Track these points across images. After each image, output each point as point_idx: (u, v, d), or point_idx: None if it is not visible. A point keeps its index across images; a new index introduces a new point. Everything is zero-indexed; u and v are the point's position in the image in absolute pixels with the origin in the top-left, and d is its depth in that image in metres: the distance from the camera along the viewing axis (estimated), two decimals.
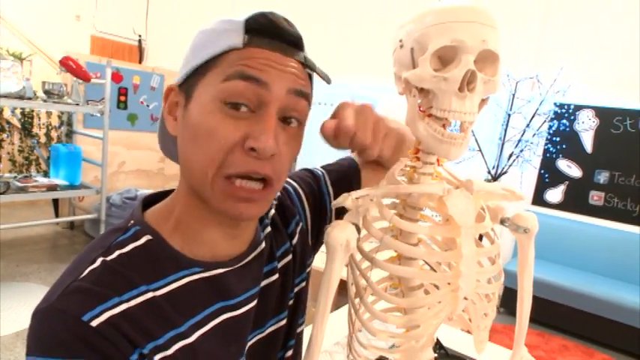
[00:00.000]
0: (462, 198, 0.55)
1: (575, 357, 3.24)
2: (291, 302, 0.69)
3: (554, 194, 4.06)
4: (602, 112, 3.82)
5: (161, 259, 0.53)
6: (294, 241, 0.71)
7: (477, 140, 3.78)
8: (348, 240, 0.52)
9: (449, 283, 0.56)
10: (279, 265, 0.67)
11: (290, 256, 0.69)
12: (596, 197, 3.90)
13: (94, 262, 0.50)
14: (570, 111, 3.89)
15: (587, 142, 3.89)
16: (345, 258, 0.53)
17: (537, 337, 3.48)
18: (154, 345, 0.48)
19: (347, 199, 0.55)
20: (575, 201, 3.97)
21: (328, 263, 0.53)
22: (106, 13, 6.73)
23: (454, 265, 0.55)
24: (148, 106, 5.20)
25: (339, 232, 0.52)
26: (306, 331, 0.67)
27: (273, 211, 0.70)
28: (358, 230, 0.54)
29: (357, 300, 0.59)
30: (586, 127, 3.89)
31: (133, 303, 0.48)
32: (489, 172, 3.81)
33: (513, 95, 3.73)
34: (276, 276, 0.65)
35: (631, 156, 3.73)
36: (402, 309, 0.60)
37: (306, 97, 0.55)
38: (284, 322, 0.67)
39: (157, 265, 0.52)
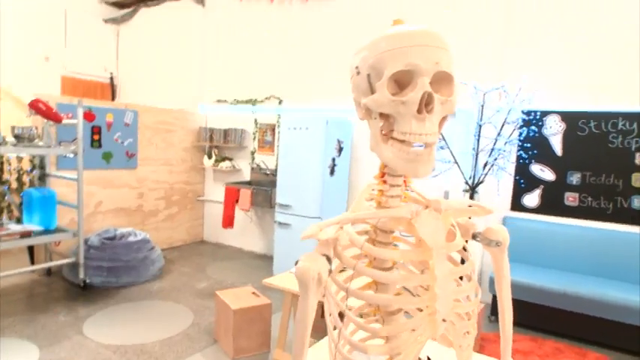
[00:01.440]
0: (430, 219, 0.55)
1: (569, 358, 3.24)
2: None
3: (531, 199, 4.14)
4: (567, 117, 3.94)
5: None
6: None
7: (452, 152, 3.84)
8: (320, 273, 0.51)
9: (427, 307, 0.55)
10: None
11: None
12: (571, 198, 3.99)
13: None
14: (537, 117, 4.00)
15: (557, 145, 4.00)
16: (319, 292, 0.52)
17: (531, 342, 3.48)
18: None
19: (315, 231, 0.55)
20: (552, 203, 4.05)
21: (302, 299, 0.52)
22: (76, 52, 6.70)
23: (428, 288, 0.54)
24: (122, 142, 5.13)
25: (310, 266, 0.51)
26: None
27: None
28: (329, 260, 0.53)
29: (335, 332, 0.58)
30: (554, 132, 4.00)
31: None
32: (467, 183, 3.86)
33: (482, 106, 3.82)
34: None
35: (598, 156, 3.84)
36: (379, 335, 0.58)
37: None
38: None
39: None
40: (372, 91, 0.55)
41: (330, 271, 0.54)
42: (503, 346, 0.74)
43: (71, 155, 4.07)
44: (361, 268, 0.55)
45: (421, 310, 0.56)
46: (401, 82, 0.54)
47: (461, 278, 0.61)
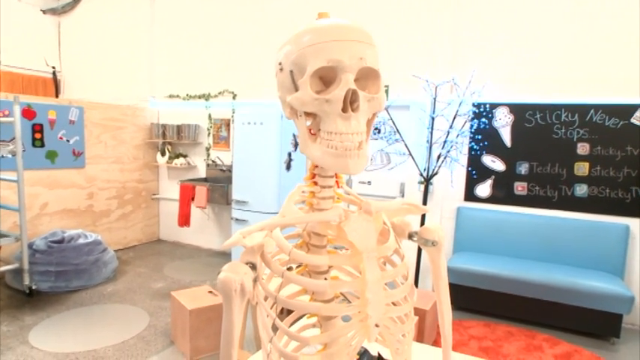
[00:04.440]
0: (360, 222, 0.53)
1: (520, 341, 3.38)
2: None
3: (483, 189, 4.27)
4: (515, 108, 4.08)
5: None
6: None
7: (406, 145, 3.90)
8: (243, 283, 0.48)
9: (359, 312, 0.53)
10: None
11: None
12: (520, 188, 4.15)
13: None
14: (487, 109, 4.12)
15: (506, 137, 4.14)
16: (243, 303, 0.49)
17: (484, 327, 3.60)
18: None
19: (239, 238, 0.51)
20: (502, 193, 4.20)
21: (225, 312, 0.48)
22: (12, 45, 6.27)
23: (359, 293, 0.52)
24: (68, 141, 4.87)
25: (232, 276, 0.47)
26: None
27: None
28: (254, 268, 0.50)
29: (269, 345, 0.55)
30: (503, 124, 4.14)
31: None
32: (422, 175, 3.93)
33: (435, 99, 3.89)
34: None
35: (544, 146, 4.01)
36: (309, 344, 0.56)
37: None
38: None
39: None
40: (296, 89, 0.52)
41: (255, 280, 0.51)
42: (444, 345, 0.74)
43: (9, 155, 3.81)
44: (289, 276, 0.52)
45: (356, 315, 0.54)
46: (325, 79, 0.52)
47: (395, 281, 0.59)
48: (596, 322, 3.49)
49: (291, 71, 0.52)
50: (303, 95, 0.51)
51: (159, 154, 5.77)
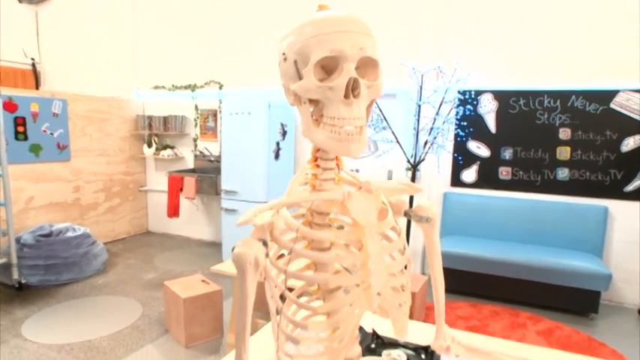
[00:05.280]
0: (362, 199, 0.58)
1: (504, 320, 3.50)
2: None
3: (469, 174, 4.36)
4: (499, 95, 4.16)
5: None
6: None
7: (393, 133, 3.95)
8: (256, 257, 0.52)
9: (362, 282, 0.58)
10: None
11: None
12: (504, 172, 4.25)
13: None
14: (472, 96, 4.20)
15: (491, 123, 4.23)
16: (256, 275, 0.53)
17: (470, 307, 3.72)
18: None
19: (250, 217, 0.55)
20: (488, 178, 4.30)
21: (239, 284, 0.53)
22: None
23: (362, 264, 0.57)
24: (52, 134, 4.81)
25: (246, 251, 0.52)
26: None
27: None
28: (265, 245, 0.55)
29: (275, 313, 0.60)
30: (488, 110, 4.22)
31: None
32: (409, 161, 4.00)
33: (421, 87, 3.95)
34: None
35: (527, 132, 4.11)
36: (319, 312, 0.61)
37: None
38: None
39: None
40: (300, 77, 0.56)
41: (267, 255, 0.55)
42: (437, 314, 0.79)
43: None
44: (298, 250, 0.56)
45: (358, 286, 0.59)
46: (328, 67, 0.56)
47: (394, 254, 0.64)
48: (576, 300, 3.63)
49: (295, 61, 0.56)
50: (308, 83, 0.55)
51: (145, 146, 5.73)
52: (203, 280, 3.24)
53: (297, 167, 4.99)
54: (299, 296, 0.68)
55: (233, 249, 0.53)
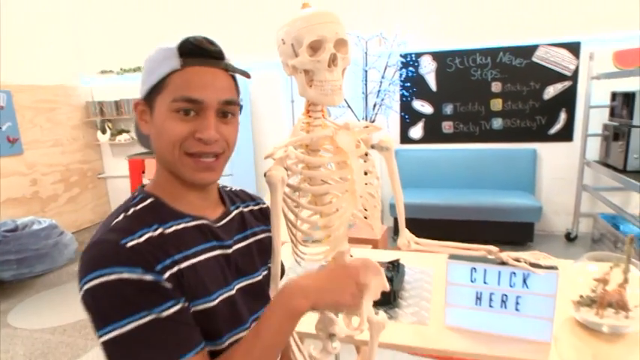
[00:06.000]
0: (345, 135, 0.86)
1: None
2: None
3: (416, 131, 4.77)
4: (437, 56, 4.54)
5: (163, 212, 0.75)
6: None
7: (344, 98, 4.24)
8: (283, 177, 0.80)
9: (347, 190, 0.87)
10: (259, 236, 0.92)
11: (264, 234, 0.94)
12: (447, 127, 4.68)
13: (119, 216, 0.72)
14: (413, 59, 4.55)
15: (432, 82, 4.61)
16: (282, 189, 0.81)
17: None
18: (171, 260, 0.70)
19: (273, 152, 0.83)
20: (432, 133, 4.73)
21: (273, 195, 0.80)
22: None
23: (348, 177, 0.86)
24: (0, 127, 4.71)
25: (277, 172, 0.79)
26: None
27: (252, 207, 0.96)
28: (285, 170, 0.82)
29: (292, 217, 0.88)
30: (428, 70, 4.59)
31: (151, 234, 0.70)
32: None
33: (366, 53, 4.24)
34: (251, 240, 0.90)
35: (464, 88, 4.54)
36: (321, 213, 0.89)
37: (233, 102, 0.78)
38: (265, 272, 0.92)
39: (162, 215, 0.74)
40: (296, 55, 0.82)
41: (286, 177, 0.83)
42: (400, 220, 1.11)
43: None
44: (305, 172, 0.85)
45: (347, 191, 0.88)
46: (314, 47, 0.82)
47: (366, 173, 0.94)
48: (515, 232, 4.17)
49: (292, 44, 0.82)
50: (302, 59, 0.81)
51: (99, 133, 5.70)
52: None
53: (255, 141, 5.20)
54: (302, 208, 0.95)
55: (265, 174, 0.81)
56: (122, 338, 0.63)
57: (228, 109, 0.78)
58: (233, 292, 0.81)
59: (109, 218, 0.74)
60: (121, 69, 5.56)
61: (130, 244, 0.67)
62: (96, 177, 5.94)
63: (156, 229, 0.72)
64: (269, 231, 0.93)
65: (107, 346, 0.64)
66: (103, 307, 0.64)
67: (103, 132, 5.70)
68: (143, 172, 5.31)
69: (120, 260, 0.65)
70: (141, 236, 0.69)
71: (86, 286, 0.64)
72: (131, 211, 0.74)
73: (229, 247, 0.83)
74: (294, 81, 0.86)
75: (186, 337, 0.68)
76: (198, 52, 0.76)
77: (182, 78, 0.73)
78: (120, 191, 6.01)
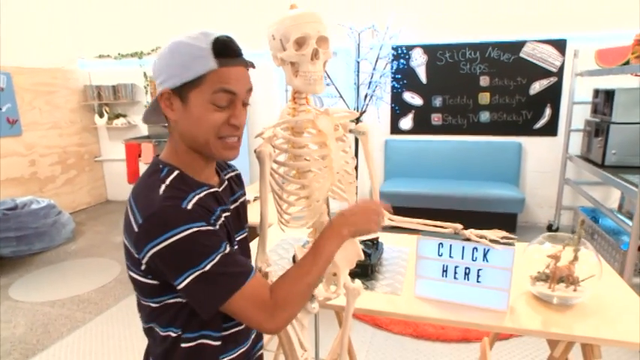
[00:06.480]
0: (325, 119, 1.01)
1: None
2: None
3: (406, 122, 4.91)
4: (428, 49, 4.67)
5: (190, 182, 0.89)
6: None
7: (337, 88, 4.37)
8: (270, 152, 0.94)
9: (326, 167, 1.02)
10: (241, 199, 1.08)
11: (243, 198, 1.09)
12: (436, 119, 4.83)
13: (160, 187, 0.85)
14: (405, 51, 4.68)
15: (422, 74, 4.75)
16: (270, 163, 0.95)
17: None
18: (215, 215, 0.87)
19: (262, 132, 0.97)
20: (422, 124, 4.87)
21: (262, 168, 0.95)
22: None
23: (327, 156, 1.00)
24: (0, 108, 4.79)
25: (265, 149, 0.94)
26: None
27: (231, 174, 1.10)
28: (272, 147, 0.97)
29: (278, 189, 1.03)
30: (419, 63, 4.73)
31: (196, 198, 0.85)
32: None
33: (358, 45, 4.36)
34: (238, 203, 1.04)
35: (453, 81, 4.68)
36: (303, 185, 1.04)
37: (251, 89, 0.92)
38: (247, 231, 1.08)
39: (190, 184, 0.88)
40: (284, 49, 0.96)
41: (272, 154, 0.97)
42: (374, 195, 1.26)
43: None
44: (290, 150, 0.99)
45: (325, 167, 1.02)
46: (300, 42, 0.96)
47: (345, 151, 1.08)
48: (499, 223, 4.28)
49: (281, 40, 0.96)
50: (289, 52, 0.95)
51: (97, 116, 5.80)
52: None
53: (248, 126, 5.31)
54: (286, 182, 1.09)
55: (255, 150, 0.95)
56: (204, 276, 0.79)
57: (247, 99, 0.91)
58: (235, 247, 0.99)
59: (148, 190, 0.85)
60: (119, 54, 5.64)
61: (188, 206, 0.82)
62: (93, 160, 6.04)
63: (195, 195, 0.86)
64: (244, 195, 1.10)
65: (191, 285, 0.79)
66: (182, 257, 0.79)
67: (101, 116, 5.79)
68: (139, 156, 5.42)
69: (188, 218, 0.80)
70: (191, 199, 0.84)
71: (162, 245, 0.78)
72: (168, 181, 0.87)
73: (229, 210, 0.98)
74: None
75: (245, 263, 0.86)
76: (227, 52, 0.86)
77: (219, 75, 0.84)
78: (116, 174, 6.12)
